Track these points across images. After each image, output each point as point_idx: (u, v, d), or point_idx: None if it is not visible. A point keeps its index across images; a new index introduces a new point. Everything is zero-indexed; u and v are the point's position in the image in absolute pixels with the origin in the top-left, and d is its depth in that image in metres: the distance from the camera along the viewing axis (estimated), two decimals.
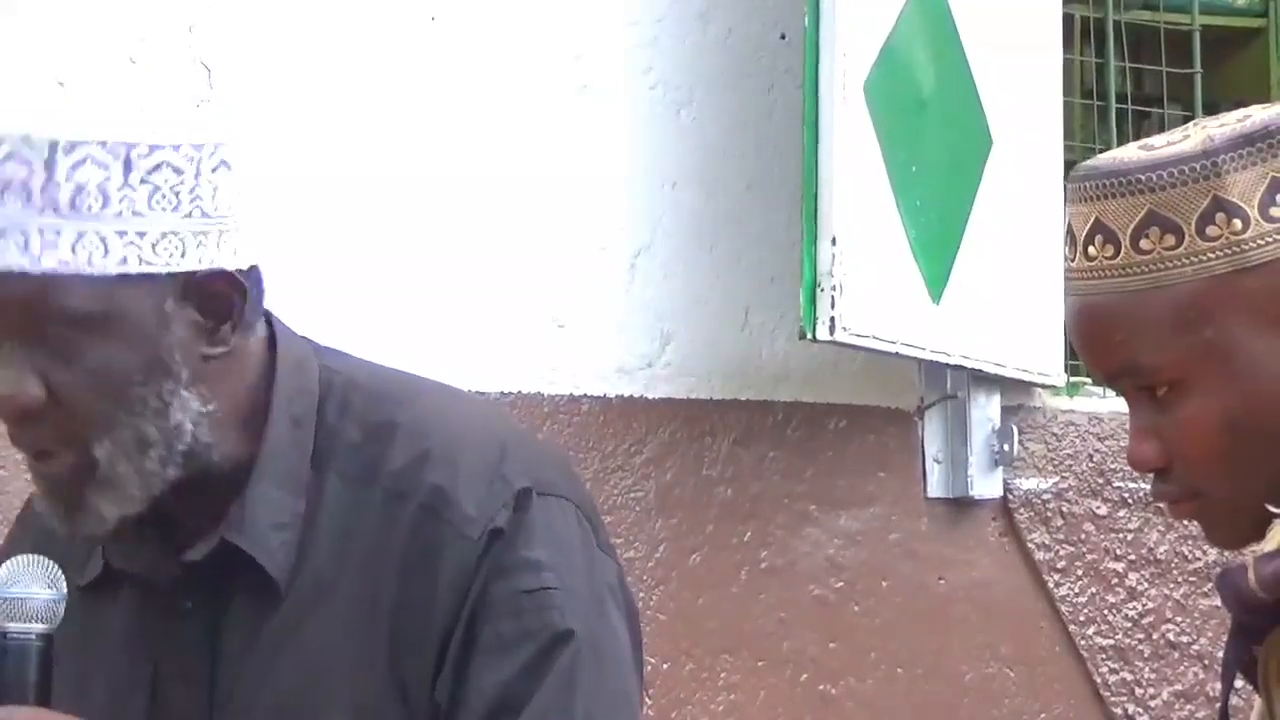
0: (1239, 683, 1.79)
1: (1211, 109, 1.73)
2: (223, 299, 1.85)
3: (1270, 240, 1.66)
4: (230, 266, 1.84)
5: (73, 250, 1.79)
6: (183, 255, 1.82)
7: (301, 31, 3.58)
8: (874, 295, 3.69)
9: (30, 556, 1.89)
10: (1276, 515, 1.68)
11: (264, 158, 3.46)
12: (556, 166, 3.77)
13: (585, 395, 3.76)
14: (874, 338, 3.72)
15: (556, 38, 3.79)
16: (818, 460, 3.99)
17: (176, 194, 1.81)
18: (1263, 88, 4.66)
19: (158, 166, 1.80)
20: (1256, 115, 1.69)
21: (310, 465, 1.91)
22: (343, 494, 1.90)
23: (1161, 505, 1.78)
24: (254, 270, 1.89)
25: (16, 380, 1.81)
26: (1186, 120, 1.76)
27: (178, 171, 1.81)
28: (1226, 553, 1.74)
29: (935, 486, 4.10)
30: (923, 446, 4.10)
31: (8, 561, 1.88)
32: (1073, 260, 1.71)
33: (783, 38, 3.91)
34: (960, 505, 4.12)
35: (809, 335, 3.62)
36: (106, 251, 1.80)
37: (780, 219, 3.80)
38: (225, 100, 3.37)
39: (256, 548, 1.88)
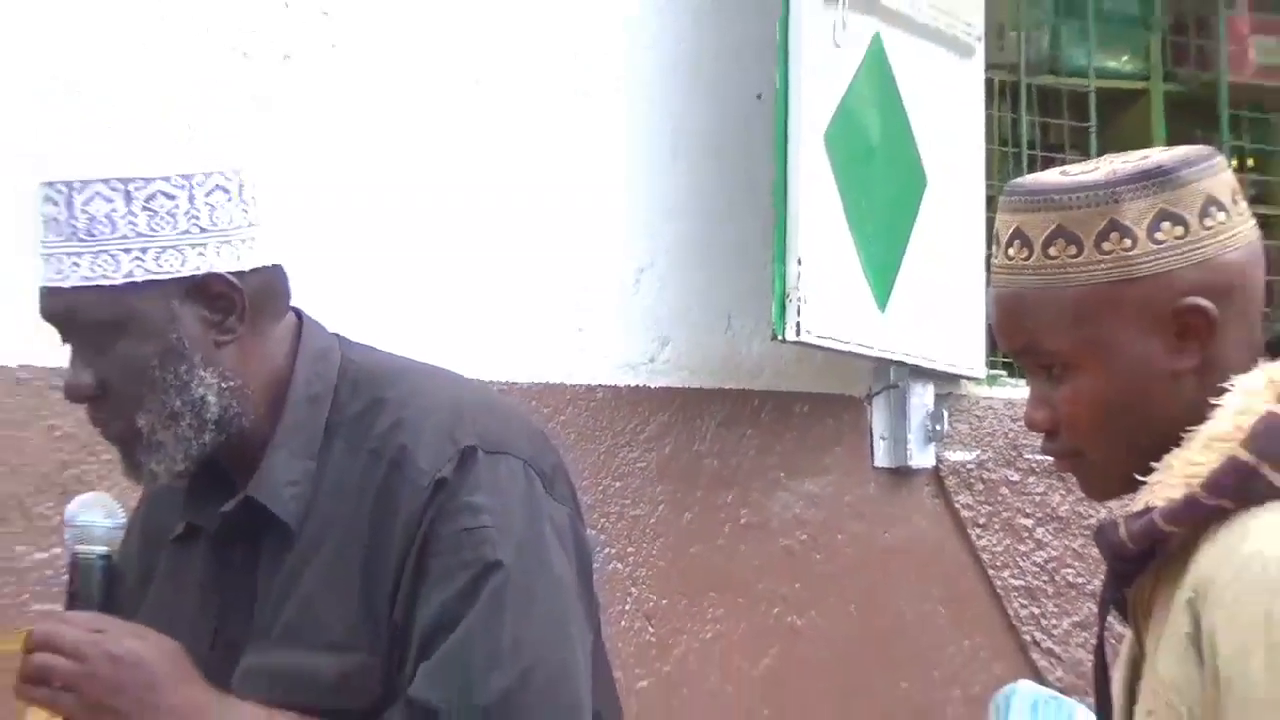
0: (1113, 618, 1.80)
1: (1103, 155, 1.73)
2: (223, 297, 1.91)
3: (1153, 258, 1.67)
4: (230, 270, 1.90)
5: (91, 268, 1.87)
6: (182, 264, 1.88)
7: (365, 85, 3.59)
8: (831, 305, 3.69)
9: (95, 494, 1.99)
10: (1143, 481, 1.69)
11: (341, 191, 3.49)
12: (579, 204, 3.78)
13: (600, 385, 3.76)
14: (831, 339, 3.72)
15: (577, 98, 3.79)
16: (786, 438, 3.99)
17: (173, 215, 1.88)
18: (1145, 138, 4.66)
19: (154, 195, 1.87)
20: (1154, 156, 1.70)
21: (324, 434, 1.95)
22: (343, 457, 1.94)
23: (1050, 460, 1.77)
24: (265, 271, 1.93)
25: (76, 373, 1.91)
26: (1113, 154, 1.76)
27: (170, 197, 1.88)
28: (1112, 509, 1.73)
29: (880, 458, 4.10)
30: (870, 426, 4.10)
31: (77, 498, 1.97)
32: (996, 258, 1.73)
33: (758, 97, 3.90)
34: (900, 474, 4.12)
35: (779, 337, 3.62)
36: (117, 267, 1.87)
37: (756, 243, 3.78)
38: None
39: (271, 500, 1.93)
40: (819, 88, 3.68)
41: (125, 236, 1.87)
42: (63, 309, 1.90)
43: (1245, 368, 1.69)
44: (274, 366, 1.96)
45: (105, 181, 1.88)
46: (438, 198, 3.62)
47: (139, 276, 1.87)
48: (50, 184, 1.89)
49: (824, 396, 4.03)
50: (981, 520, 4.17)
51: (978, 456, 4.18)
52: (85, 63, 3.29)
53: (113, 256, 1.87)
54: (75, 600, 1.94)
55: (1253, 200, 4.98)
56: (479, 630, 1.84)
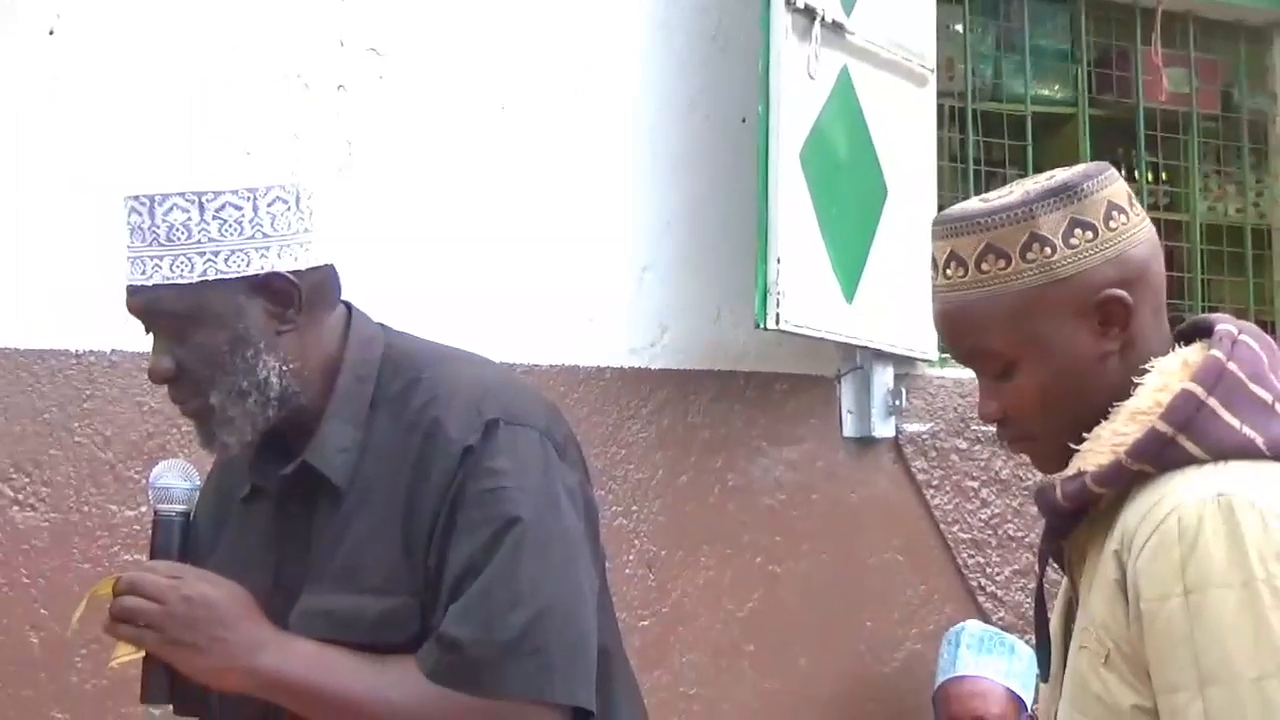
0: (1051, 568, 1.80)
1: (1039, 171, 1.72)
2: (283, 292, 1.92)
3: (1071, 261, 1.67)
4: (289, 269, 1.91)
5: (170, 269, 1.89)
6: (247, 265, 1.90)
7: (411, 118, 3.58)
8: (806, 298, 3.69)
9: (175, 460, 2.00)
10: (1076, 450, 1.68)
11: (389, 202, 3.49)
12: (592, 213, 3.78)
13: (608, 367, 3.76)
14: (806, 327, 3.72)
15: (591, 122, 3.79)
16: (768, 412, 3.98)
17: (239, 224, 1.89)
18: (1074, 155, 4.65)
19: (223, 206, 1.89)
20: (1059, 175, 1.71)
21: (370, 407, 1.95)
22: (386, 428, 1.95)
23: (1004, 444, 1.77)
24: (320, 270, 1.95)
25: (158, 358, 1.93)
26: (1023, 178, 1.77)
27: (237, 208, 1.89)
28: (1043, 476, 1.74)
29: (849, 429, 4.09)
30: (840, 402, 4.09)
31: (160, 464, 1.99)
32: (936, 279, 1.73)
33: (743, 121, 3.90)
34: (865, 443, 4.11)
35: (761, 326, 3.62)
36: (192, 268, 1.89)
37: (742, 246, 3.77)
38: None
39: (324, 464, 1.94)
40: (795, 113, 3.67)
41: (199, 242, 1.89)
42: (145, 304, 1.91)
43: (1158, 346, 1.70)
44: (327, 351, 1.97)
45: (182, 195, 1.89)
46: (472, 207, 3.62)
47: (211, 276, 1.89)
48: (135, 197, 1.91)
49: (800, 377, 4.03)
50: (935, 482, 4.17)
51: (931, 428, 4.17)
52: (165, 91, 3.29)
53: (188, 259, 1.89)
54: (156, 552, 1.96)
55: (1166, 208, 5.01)
56: (500, 575, 1.85)
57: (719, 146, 3.92)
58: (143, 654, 1.91)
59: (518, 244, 3.66)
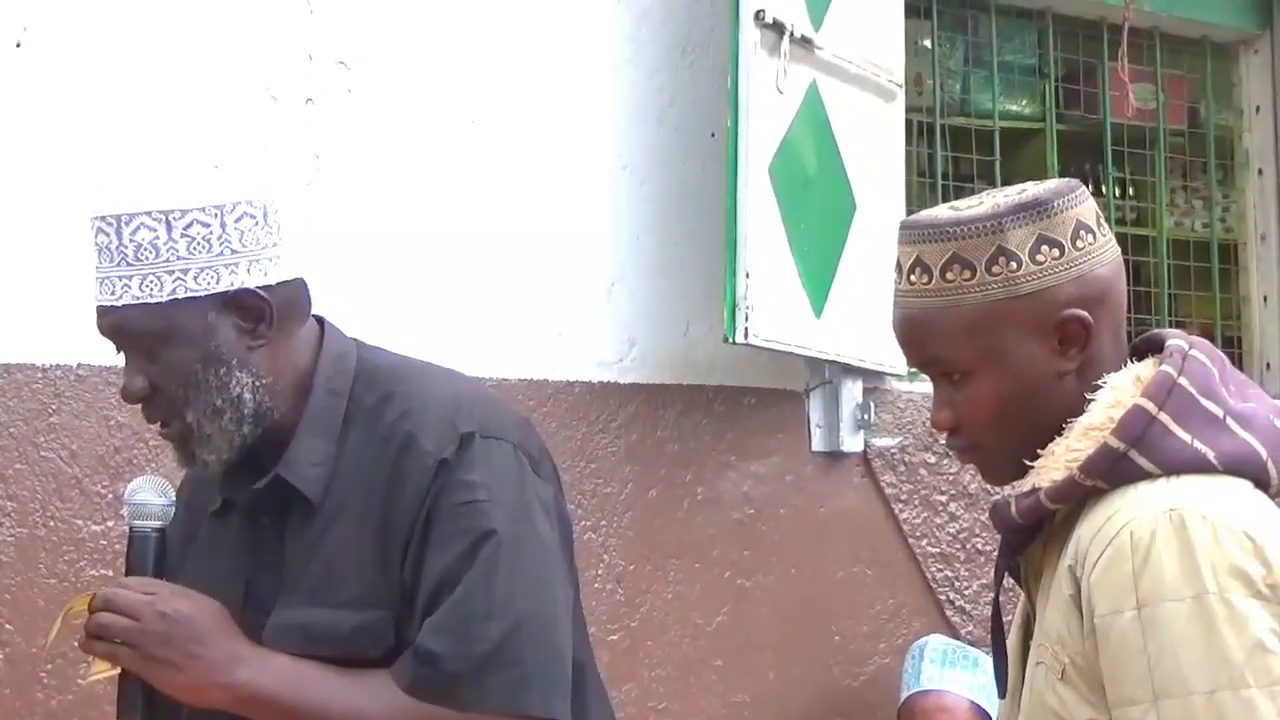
0: (1008, 583, 1.81)
1: (1007, 185, 1.74)
2: (253, 308, 1.92)
3: (1036, 278, 1.68)
4: (258, 285, 1.91)
5: (140, 289, 1.88)
6: (217, 281, 1.90)
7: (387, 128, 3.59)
8: (774, 312, 3.70)
9: (150, 476, 1.99)
10: (1029, 464, 1.70)
11: (357, 216, 3.49)
12: (561, 226, 3.78)
13: (577, 381, 3.76)
14: (775, 341, 3.73)
15: (560, 136, 3.80)
16: (736, 425, 3.99)
17: (208, 241, 1.89)
18: (1041, 169, 4.68)
19: (191, 224, 1.89)
20: (1030, 190, 1.72)
21: (344, 422, 1.96)
22: (360, 442, 1.95)
23: (954, 453, 1.78)
24: (290, 284, 1.95)
25: (130, 378, 1.93)
26: (994, 190, 1.77)
27: (205, 225, 1.89)
28: (1006, 490, 1.75)
29: (817, 443, 4.10)
30: (808, 416, 4.10)
31: (135, 480, 1.98)
32: (899, 284, 1.73)
33: (712, 135, 3.91)
34: (834, 456, 4.12)
35: (730, 340, 3.62)
36: (161, 287, 1.89)
37: (711, 259, 3.79)
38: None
39: (296, 478, 1.94)
40: (764, 127, 3.69)
41: (167, 260, 1.89)
42: (116, 324, 1.91)
43: (1116, 366, 1.71)
44: (300, 365, 1.97)
45: (148, 213, 1.89)
46: (440, 220, 3.63)
47: (180, 294, 1.89)
48: (101, 217, 1.90)
49: (768, 390, 4.04)
50: (903, 496, 4.19)
51: (900, 442, 4.19)
52: (132, 104, 3.29)
53: (157, 278, 1.89)
54: (131, 568, 1.95)
55: (1133, 223, 5.05)
56: (476, 588, 1.85)
57: (688, 160, 3.94)
58: (118, 670, 1.91)
59: (486, 257, 3.66)
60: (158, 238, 1.88)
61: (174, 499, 1.98)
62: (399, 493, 1.90)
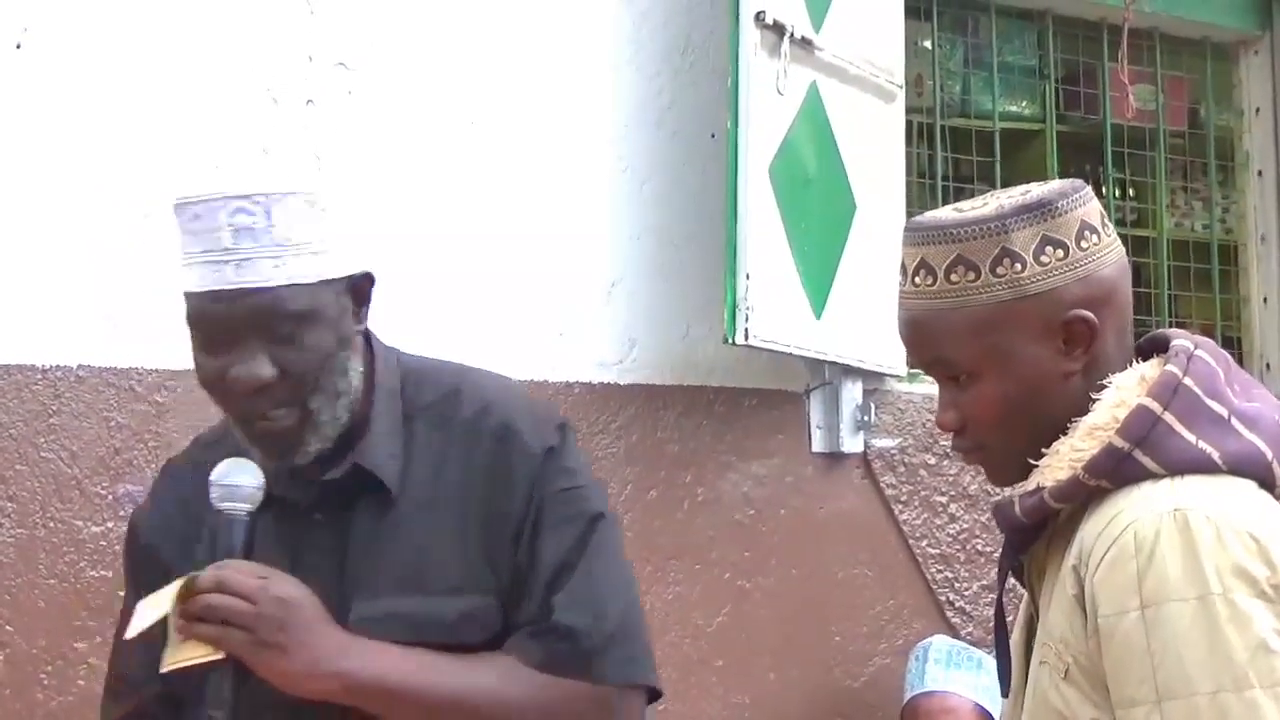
0: (1010, 583, 1.81)
1: (1006, 186, 1.74)
2: (362, 290, 1.95)
3: (1040, 279, 1.68)
4: (362, 270, 1.95)
5: (293, 269, 1.86)
6: (346, 265, 1.91)
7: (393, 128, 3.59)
8: (775, 313, 3.70)
9: (237, 459, 1.91)
10: (1033, 464, 1.70)
11: (359, 216, 3.49)
12: (562, 228, 3.78)
13: (578, 381, 3.76)
14: (775, 342, 3.73)
15: (560, 137, 3.80)
16: (736, 427, 3.99)
17: (334, 224, 1.90)
18: (1041, 171, 4.68)
19: (326, 207, 1.89)
20: (1035, 190, 1.71)
21: (402, 419, 1.97)
22: (429, 435, 1.96)
23: (958, 453, 1.79)
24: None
25: (259, 365, 1.86)
26: (998, 190, 1.77)
27: (325, 210, 1.89)
28: (1008, 490, 1.75)
29: (817, 444, 4.10)
30: (808, 417, 4.10)
31: (224, 461, 1.90)
32: (904, 285, 1.73)
33: (712, 136, 3.91)
34: (834, 457, 4.12)
35: (730, 341, 3.62)
36: (310, 267, 1.87)
37: (711, 261, 3.79)
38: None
39: (379, 469, 1.93)
40: (764, 129, 3.69)
41: (310, 241, 1.87)
42: (265, 306, 1.85)
43: (1122, 366, 1.71)
44: (367, 358, 1.99)
45: (295, 194, 1.87)
46: (440, 221, 3.63)
47: (326, 276, 1.88)
48: (248, 196, 1.86)
49: (768, 392, 4.04)
50: (903, 498, 4.18)
51: (900, 443, 4.19)
52: (133, 105, 3.29)
53: (306, 259, 1.87)
54: (222, 552, 1.88)
55: (1133, 224, 5.05)
56: (598, 569, 1.93)
57: (688, 162, 3.94)
58: (210, 658, 1.83)
59: (486, 258, 3.66)
60: (306, 218, 1.87)
61: (263, 482, 1.91)
62: (504, 483, 1.93)
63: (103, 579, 3.18)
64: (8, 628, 3.13)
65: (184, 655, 1.84)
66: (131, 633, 1.87)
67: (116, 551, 3.19)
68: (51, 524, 3.17)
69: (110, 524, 3.20)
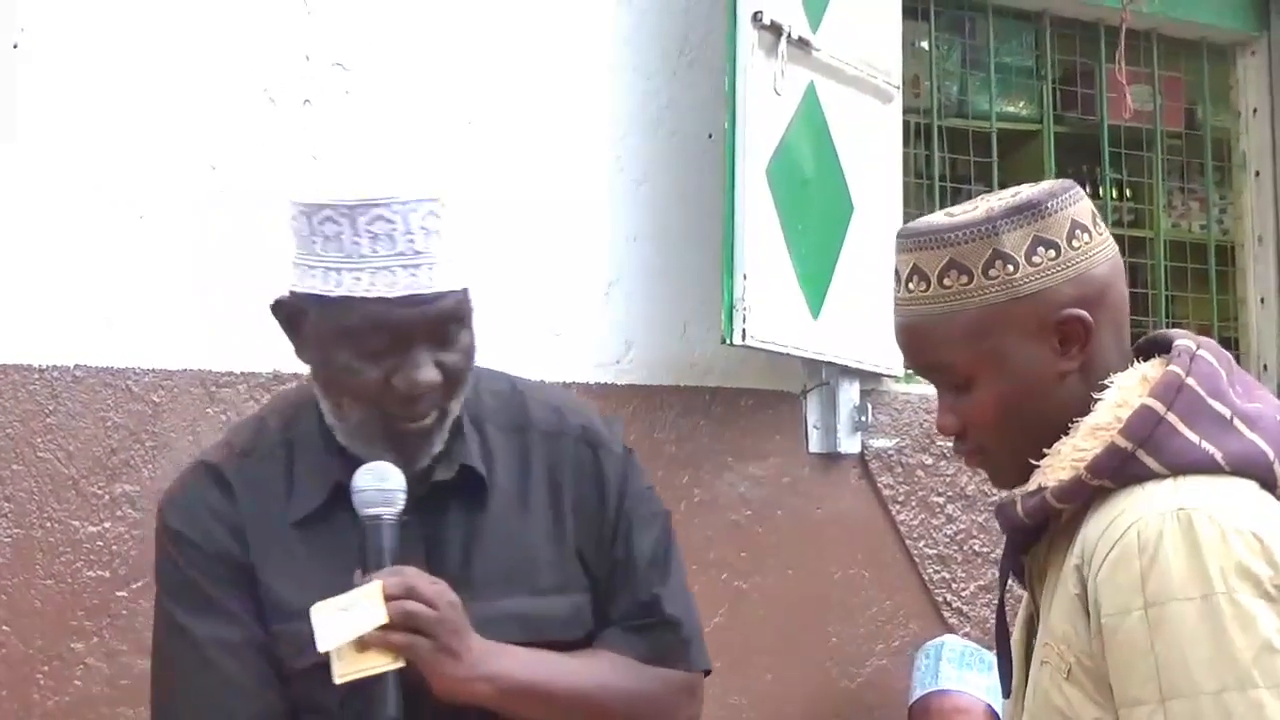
0: (1012, 582, 1.81)
1: (1004, 187, 1.75)
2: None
3: (1033, 279, 1.68)
4: None
5: (457, 272, 1.88)
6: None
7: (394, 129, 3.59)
8: (772, 314, 3.70)
9: (377, 463, 1.86)
10: (1036, 465, 1.70)
11: None
12: (559, 228, 3.78)
13: (574, 382, 3.75)
14: (772, 343, 3.73)
15: (557, 138, 3.80)
16: (733, 427, 3.99)
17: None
18: (1039, 171, 4.69)
19: (450, 215, 1.90)
20: (1024, 192, 1.72)
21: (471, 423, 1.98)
22: (504, 438, 1.99)
23: (960, 457, 1.79)
24: None
25: (429, 370, 1.86)
26: (988, 193, 1.77)
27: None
28: (1007, 491, 1.75)
29: (814, 445, 4.10)
30: (805, 417, 4.10)
31: (369, 467, 1.85)
32: (898, 292, 1.74)
33: (710, 137, 3.91)
34: (831, 458, 4.12)
35: (728, 341, 3.63)
36: (461, 271, 1.89)
37: (708, 261, 3.79)
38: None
39: (481, 470, 1.95)
40: (761, 129, 3.69)
41: (454, 246, 1.88)
42: (450, 309, 1.87)
43: (1118, 364, 1.71)
44: None
45: (433, 200, 1.87)
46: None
47: (467, 283, 1.90)
48: (434, 199, 1.86)
49: (765, 392, 4.04)
50: (900, 498, 4.19)
51: (897, 444, 4.19)
52: (130, 105, 3.29)
53: (458, 263, 1.88)
54: (369, 558, 1.84)
55: (1130, 224, 5.05)
56: (677, 564, 2.04)
57: (685, 162, 3.94)
58: (392, 665, 1.79)
59: (483, 258, 3.64)
60: (447, 223, 1.88)
61: (405, 485, 1.87)
62: (595, 482, 1.99)
63: (99, 579, 3.18)
64: (4, 628, 3.12)
65: (362, 664, 1.78)
66: (333, 643, 1.78)
67: (114, 551, 3.19)
68: (48, 524, 3.16)
69: (107, 524, 3.19)
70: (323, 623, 1.78)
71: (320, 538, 1.92)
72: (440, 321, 1.86)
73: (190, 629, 1.91)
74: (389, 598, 1.78)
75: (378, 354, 1.84)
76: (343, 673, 1.78)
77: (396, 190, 1.84)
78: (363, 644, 1.78)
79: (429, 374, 1.85)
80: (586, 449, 2.00)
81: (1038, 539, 1.73)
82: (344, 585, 1.83)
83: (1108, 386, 1.68)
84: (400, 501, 1.86)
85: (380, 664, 1.78)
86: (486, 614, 1.87)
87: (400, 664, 1.79)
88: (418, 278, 1.82)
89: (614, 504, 1.99)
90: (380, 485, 1.85)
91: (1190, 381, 1.65)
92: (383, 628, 1.77)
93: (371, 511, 1.85)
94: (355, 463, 1.89)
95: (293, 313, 1.92)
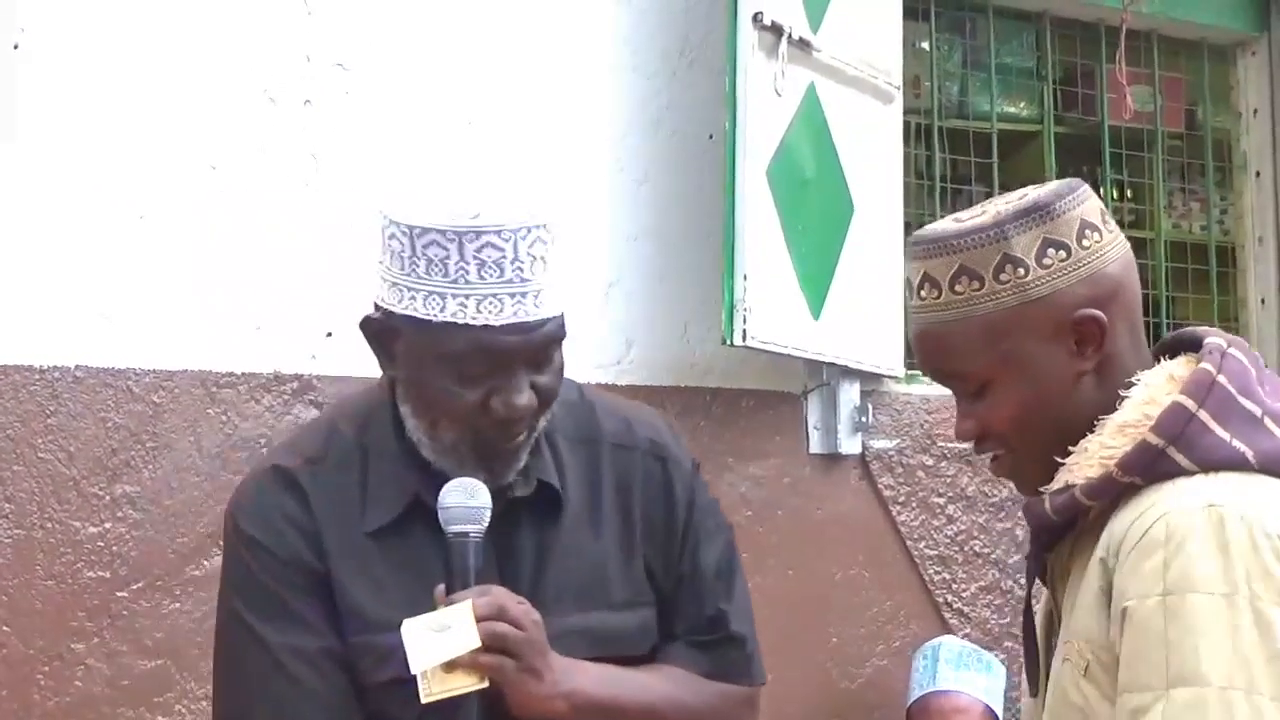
0: (1018, 581, 1.82)
1: (1005, 188, 1.75)
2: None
3: (1044, 281, 1.68)
4: None
5: (556, 298, 1.86)
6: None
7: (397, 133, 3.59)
8: (772, 315, 3.70)
9: (463, 479, 1.84)
10: (1061, 463, 1.69)
11: (354, 216, 3.49)
12: (558, 226, 3.77)
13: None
14: (772, 344, 3.73)
15: (558, 138, 3.80)
16: (734, 428, 3.99)
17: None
18: (1040, 172, 4.69)
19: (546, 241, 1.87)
20: (1031, 194, 1.71)
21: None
22: (574, 450, 1.97)
23: (984, 460, 1.79)
24: None
25: (527, 394, 1.84)
26: (987, 196, 1.77)
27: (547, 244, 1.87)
28: (1014, 493, 1.75)
29: (815, 445, 4.10)
30: (806, 418, 4.10)
31: (458, 483, 1.83)
32: (911, 301, 1.73)
33: (710, 137, 3.91)
34: (832, 459, 4.12)
35: (728, 342, 3.63)
36: (557, 298, 1.86)
37: (708, 262, 3.79)
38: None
39: (558, 485, 1.94)
40: (762, 130, 3.69)
41: (557, 272, 1.88)
42: (552, 334, 1.85)
43: (1134, 360, 1.71)
44: None
45: (540, 226, 1.85)
46: None
47: (560, 309, 1.88)
48: (542, 225, 1.84)
49: (766, 393, 4.04)
50: (901, 499, 4.19)
51: (897, 444, 4.19)
52: (130, 106, 3.29)
53: (560, 288, 1.87)
54: (453, 575, 1.82)
55: (1130, 225, 5.06)
56: (741, 579, 2.05)
57: (686, 162, 3.94)
58: (479, 685, 1.78)
59: None
60: (554, 250, 1.87)
61: (490, 502, 1.85)
62: (665, 496, 1.98)
63: (100, 580, 3.18)
64: (4, 628, 3.12)
65: (450, 685, 1.77)
66: (427, 664, 1.75)
67: (115, 552, 3.19)
68: (49, 524, 3.16)
69: (108, 525, 3.20)
70: (415, 643, 1.77)
71: (396, 550, 1.89)
72: (542, 347, 1.84)
73: (265, 636, 1.87)
74: (479, 618, 1.77)
75: (477, 378, 1.83)
76: (430, 692, 1.77)
77: (505, 218, 1.81)
78: (451, 664, 1.77)
79: (527, 398, 1.83)
80: (655, 462, 1.99)
81: (1064, 537, 1.73)
82: (422, 599, 1.81)
83: (1127, 384, 1.68)
84: (486, 519, 1.84)
85: (467, 684, 1.78)
86: (558, 629, 1.86)
87: (485, 684, 1.79)
88: (524, 305, 1.80)
89: (682, 518, 1.98)
90: (469, 503, 1.83)
91: (1222, 379, 1.64)
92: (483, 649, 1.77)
93: (458, 529, 1.82)
94: (434, 476, 1.87)
95: (383, 330, 1.89)
